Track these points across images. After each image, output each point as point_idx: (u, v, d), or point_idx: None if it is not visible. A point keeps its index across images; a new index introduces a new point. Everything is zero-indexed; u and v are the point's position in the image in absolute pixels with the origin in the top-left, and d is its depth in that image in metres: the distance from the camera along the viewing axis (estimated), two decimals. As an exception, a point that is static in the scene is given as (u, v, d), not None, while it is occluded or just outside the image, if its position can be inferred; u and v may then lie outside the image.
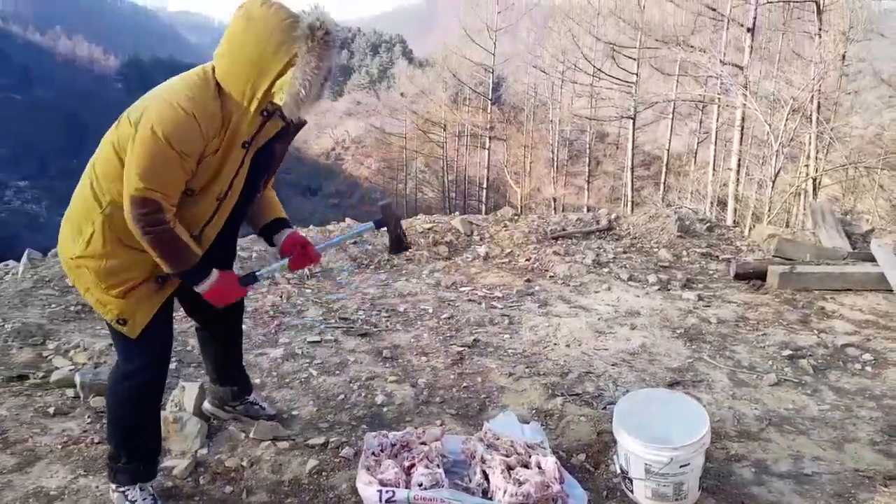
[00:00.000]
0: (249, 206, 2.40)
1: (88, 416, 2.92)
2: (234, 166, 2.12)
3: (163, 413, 2.74)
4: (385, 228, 2.56)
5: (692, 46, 19.97)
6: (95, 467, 2.56)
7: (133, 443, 2.28)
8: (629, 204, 25.09)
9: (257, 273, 2.42)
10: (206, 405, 2.86)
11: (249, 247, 5.34)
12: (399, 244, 2.61)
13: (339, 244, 2.54)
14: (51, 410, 3.00)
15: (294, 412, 3.01)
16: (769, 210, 16.06)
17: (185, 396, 2.80)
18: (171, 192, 2.03)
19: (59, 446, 2.72)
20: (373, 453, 2.46)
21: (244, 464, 2.60)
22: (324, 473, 2.56)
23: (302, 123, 2.27)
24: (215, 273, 2.22)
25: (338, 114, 58.02)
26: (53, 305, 4.23)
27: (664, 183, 27.22)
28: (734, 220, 17.20)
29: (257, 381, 3.28)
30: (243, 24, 2.00)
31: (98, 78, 79.93)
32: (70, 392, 3.13)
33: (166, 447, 2.67)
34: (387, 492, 2.22)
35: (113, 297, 2.14)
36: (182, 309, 2.60)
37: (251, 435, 2.74)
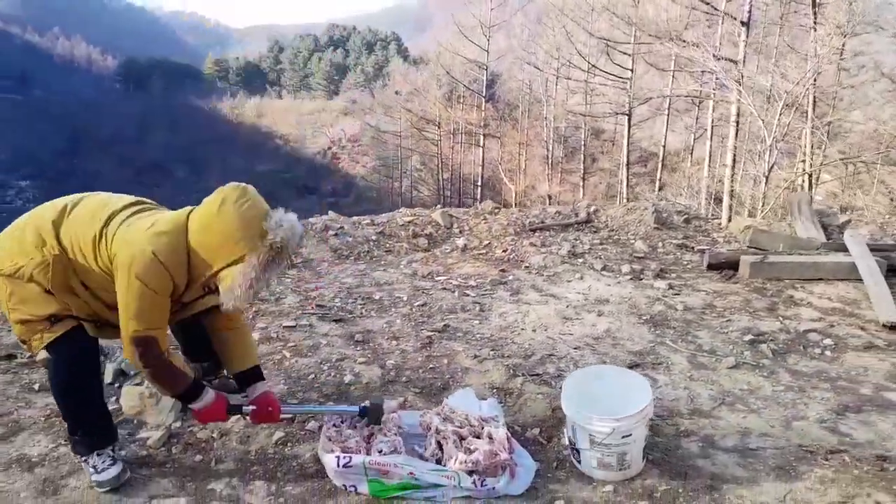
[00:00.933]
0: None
1: (69, 393, 3.06)
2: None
3: (139, 389, 2.90)
4: (366, 420, 2.64)
5: (685, 41, 20.03)
6: (74, 438, 2.71)
7: (80, 420, 2.45)
8: (624, 201, 25.17)
9: (243, 407, 2.57)
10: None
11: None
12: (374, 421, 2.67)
13: (308, 412, 2.74)
14: (36, 386, 3.17)
15: (265, 390, 3.15)
16: (763, 205, 16.16)
17: (159, 375, 2.93)
18: (161, 326, 2.31)
19: (42, 418, 2.88)
20: (334, 424, 2.59)
21: (214, 435, 2.75)
22: (289, 444, 2.70)
23: None
24: (211, 394, 2.48)
25: (333, 112, 58.20)
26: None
27: (659, 179, 27.31)
28: (729, 217, 17.30)
29: (232, 362, 3.41)
30: (216, 209, 2.25)
31: (96, 78, 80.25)
32: (53, 371, 3.27)
33: (142, 420, 2.81)
34: (344, 457, 2.36)
35: (13, 319, 2.37)
36: None
37: None
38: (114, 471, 2.42)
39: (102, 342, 3.41)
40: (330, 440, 2.50)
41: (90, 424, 2.45)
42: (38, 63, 75.47)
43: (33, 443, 2.71)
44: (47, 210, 2.40)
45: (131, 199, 2.48)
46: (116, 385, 3.14)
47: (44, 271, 2.29)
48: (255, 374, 2.69)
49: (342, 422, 2.62)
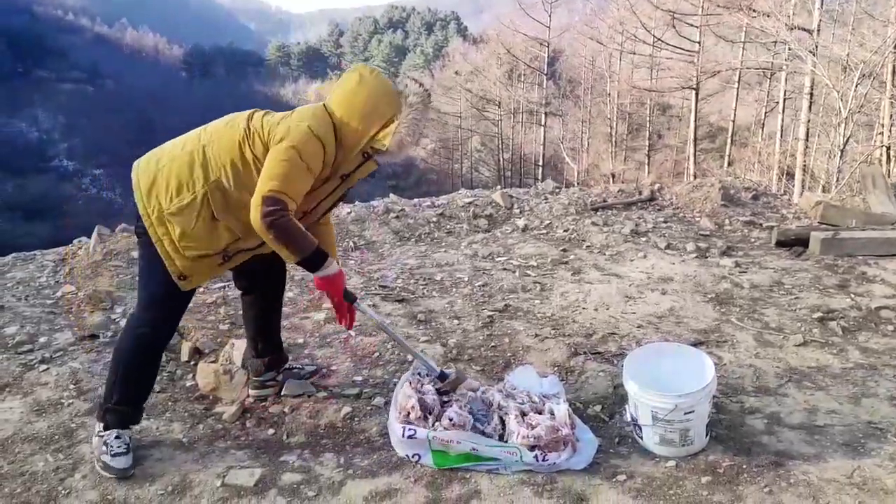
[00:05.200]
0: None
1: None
2: (327, 192, 2.58)
3: (214, 366, 3.05)
4: (442, 384, 2.74)
5: (756, 11, 19.26)
6: (156, 412, 2.87)
7: (126, 386, 2.54)
8: (691, 178, 24.50)
9: (359, 300, 2.73)
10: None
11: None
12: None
13: (394, 338, 2.92)
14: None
15: (333, 367, 3.27)
16: (837, 180, 15.47)
17: (234, 352, 3.09)
18: (295, 198, 2.38)
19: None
20: (419, 373, 2.73)
21: (286, 410, 2.88)
22: (356, 418, 2.81)
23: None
24: (335, 264, 2.53)
25: (394, 95, 58.26)
26: (121, 275, 4.62)
27: (729, 155, 26.47)
28: (801, 193, 16.63)
29: (300, 340, 3.56)
30: (356, 83, 2.48)
31: (163, 68, 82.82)
32: (135, 350, 3.47)
33: (217, 396, 2.97)
34: (409, 429, 2.46)
35: (183, 256, 2.44)
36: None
37: (283, 392, 2.98)
38: (126, 461, 2.44)
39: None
40: (410, 384, 2.63)
41: (131, 395, 2.54)
42: (107, 54, 78.26)
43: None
44: (188, 149, 2.47)
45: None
46: (192, 363, 3.28)
47: (206, 202, 2.40)
48: None
49: (426, 374, 2.72)
